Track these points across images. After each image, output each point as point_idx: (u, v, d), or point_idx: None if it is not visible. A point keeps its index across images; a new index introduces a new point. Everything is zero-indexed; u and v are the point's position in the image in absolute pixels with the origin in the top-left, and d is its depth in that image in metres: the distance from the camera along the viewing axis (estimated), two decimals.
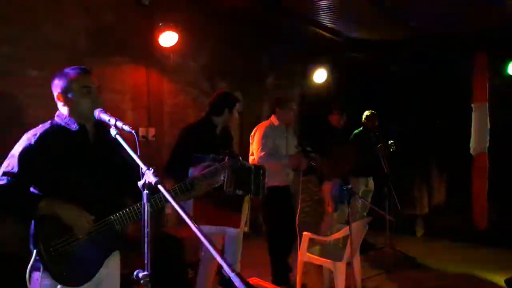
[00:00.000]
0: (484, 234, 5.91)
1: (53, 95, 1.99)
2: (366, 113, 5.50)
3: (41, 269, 1.77)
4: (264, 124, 4.15)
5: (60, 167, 1.84)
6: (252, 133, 4.17)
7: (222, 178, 2.74)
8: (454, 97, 6.20)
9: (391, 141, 5.38)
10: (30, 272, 1.80)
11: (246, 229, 3.30)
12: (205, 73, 5.38)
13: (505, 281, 4.23)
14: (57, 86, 1.94)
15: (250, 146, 4.16)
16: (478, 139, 6.08)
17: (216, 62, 5.48)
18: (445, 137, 6.32)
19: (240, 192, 3.02)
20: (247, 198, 3.24)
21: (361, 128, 5.50)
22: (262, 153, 3.90)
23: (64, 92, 1.92)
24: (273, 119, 4.19)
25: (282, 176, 4.05)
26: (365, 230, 4.02)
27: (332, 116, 5.12)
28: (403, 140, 5.56)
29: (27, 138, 1.84)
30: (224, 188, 2.85)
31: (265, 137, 3.98)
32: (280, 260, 4.16)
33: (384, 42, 6.06)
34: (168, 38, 4.37)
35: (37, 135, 1.84)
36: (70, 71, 1.94)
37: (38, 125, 1.93)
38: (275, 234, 4.12)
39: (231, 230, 3.22)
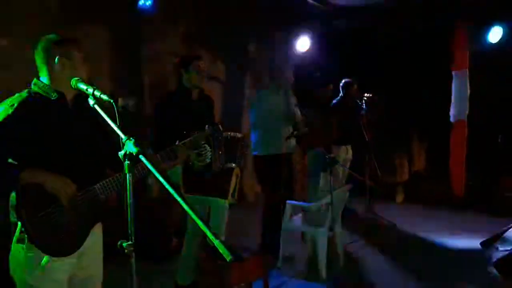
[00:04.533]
0: (461, 200, 6.10)
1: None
2: (344, 81, 5.48)
3: (26, 241, 1.75)
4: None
5: (39, 137, 1.80)
6: None
7: (209, 158, 2.76)
8: (435, 64, 6.23)
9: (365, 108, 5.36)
10: (15, 244, 1.78)
11: (233, 200, 3.29)
12: (185, 41, 5.25)
13: (480, 244, 4.41)
14: (40, 52, 1.88)
15: None
16: (458, 107, 6.18)
17: (197, 30, 5.34)
18: (426, 105, 6.39)
19: (231, 165, 3.03)
20: (236, 169, 3.23)
21: (339, 97, 5.49)
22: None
23: (47, 58, 1.86)
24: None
25: (279, 143, 4.03)
26: (346, 197, 4.09)
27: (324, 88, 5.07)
28: (383, 108, 5.60)
29: (3, 108, 1.77)
30: (213, 166, 2.85)
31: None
32: (272, 231, 4.22)
33: (367, 9, 5.99)
34: (146, 4, 4.23)
35: (15, 104, 1.78)
36: (56, 37, 1.89)
37: (8, 96, 1.85)
38: (271, 205, 4.14)
39: (217, 201, 3.22)
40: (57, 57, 1.85)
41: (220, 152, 2.88)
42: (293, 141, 4.14)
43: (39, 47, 1.88)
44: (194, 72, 3.17)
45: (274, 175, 4.00)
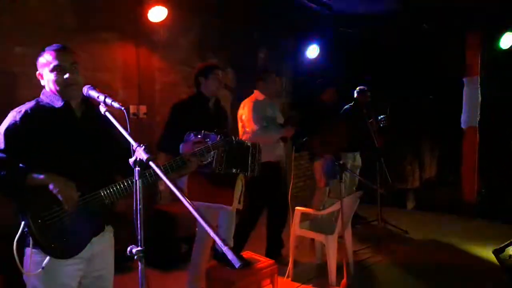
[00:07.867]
0: (474, 208, 6.03)
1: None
2: (358, 88, 5.51)
3: (31, 244, 1.77)
4: (249, 100, 4.08)
5: (45, 144, 1.85)
6: (239, 111, 4.10)
7: (212, 157, 2.71)
8: (446, 71, 6.20)
9: (382, 116, 5.42)
10: (18, 245, 1.77)
11: (239, 206, 3.29)
12: (196, 50, 5.30)
13: (493, 252, 4.34)
14: (37, 64, 1.96)
15: (238, 124, 4.11)
16: (469, 114, 6.14)
17: (207, 38, 5.39)
18: (437, 112, 6.35)
19: (234, 170, 2.98)
20: (240, 176, 3.23)
21: (352, 103, 5.51)
22: (257, 127, 3.88)
23: (41, 70, 1.95)
24: (257, 94, 4.15)
25: (274, 151, 4.03)
26: (357, 204, 4.07)
27: (324, 92, 5.09)
28: (395, 115, 5.59)
29: (12, 116, 1.85)
30: (214, 166, 2.77)
31: (255, 111, 3.95)
32: (273, 235, 4.23)
33: (375, 15, 5.99)
34: (157, 13, 4.29)
35: (22, 112, 1.85)
36: (47, 49, 1.95)
37: (21, 104, 1.92)
38: (269, 210, 4.20)
39: (223, 207, 3.21)
40: (48, 68, 1.91)
41: (223, 155, 2.83)
42: (280, 150, 4.11)
43: (38, 59, 1.95)
44: (214, 80, 3.25)
45: (270, 182, 4.00)
